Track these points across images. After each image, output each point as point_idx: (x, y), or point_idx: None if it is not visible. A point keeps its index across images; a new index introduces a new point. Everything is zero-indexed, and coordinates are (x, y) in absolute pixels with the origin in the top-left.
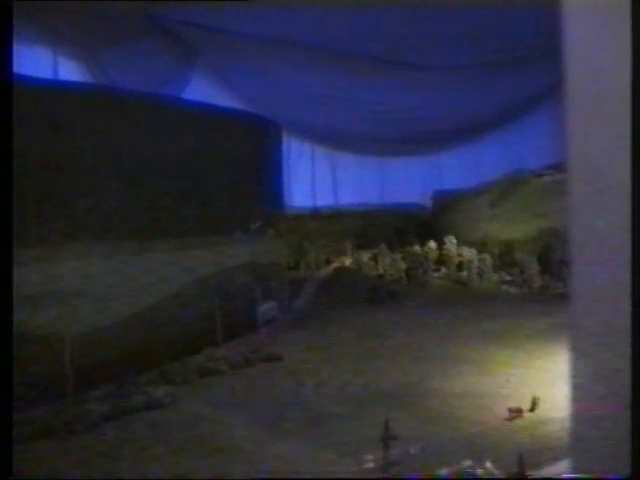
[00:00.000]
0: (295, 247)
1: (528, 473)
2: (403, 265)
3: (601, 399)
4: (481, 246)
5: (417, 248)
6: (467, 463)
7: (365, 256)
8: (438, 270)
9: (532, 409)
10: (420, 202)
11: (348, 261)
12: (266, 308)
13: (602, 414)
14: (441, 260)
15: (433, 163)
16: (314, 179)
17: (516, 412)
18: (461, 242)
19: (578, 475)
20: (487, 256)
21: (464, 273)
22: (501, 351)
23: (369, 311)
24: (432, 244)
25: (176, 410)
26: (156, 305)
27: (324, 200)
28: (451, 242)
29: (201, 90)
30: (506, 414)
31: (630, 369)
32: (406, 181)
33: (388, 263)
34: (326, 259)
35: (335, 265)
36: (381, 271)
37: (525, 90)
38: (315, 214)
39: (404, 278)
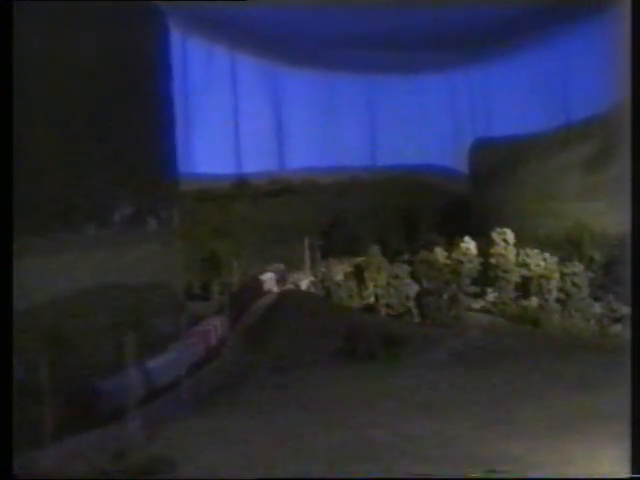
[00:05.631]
0: (204, 254)
1: None
2: (413, 287)
3: None
4: (568, 248)
5: (439, 253)
6: None
7: (339, 270)
8: (482, 295)
9: None
10: (445, 162)
11: (306, 281)
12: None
13: None
14: (487, 276)
15: (468, 85)
16: (238, 120)
17: None
18: (526, 240)
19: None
20: (579, 267)
21: (533, 301)
22: (596, 452)
23: (345, 375)
24: (469, 244)
25: None
26: None
27: (259, 162)
28: (506, 241)
29: None
30: None
31: None
32: (419, 122)
33: (384, 283)
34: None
35: (280, 289)
36: (371, 299)
37: None
38: (241, 188)
39: (415, 311)
